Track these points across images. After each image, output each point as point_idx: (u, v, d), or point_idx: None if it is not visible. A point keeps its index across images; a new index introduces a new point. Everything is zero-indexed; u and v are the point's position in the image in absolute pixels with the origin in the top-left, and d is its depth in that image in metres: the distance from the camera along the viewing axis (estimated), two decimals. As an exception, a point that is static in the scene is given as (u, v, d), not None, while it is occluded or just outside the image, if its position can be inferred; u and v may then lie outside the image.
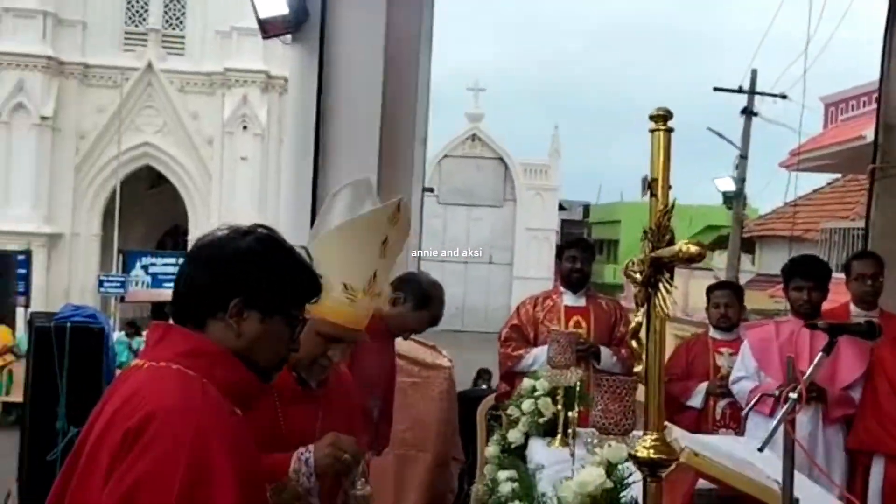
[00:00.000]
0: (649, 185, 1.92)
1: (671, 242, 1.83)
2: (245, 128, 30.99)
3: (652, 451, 1.84)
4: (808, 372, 2.74)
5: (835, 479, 4.59)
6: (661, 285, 1.87)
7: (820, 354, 2.65)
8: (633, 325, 1.90)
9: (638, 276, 1.91)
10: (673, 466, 1.85)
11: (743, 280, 21.24)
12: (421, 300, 3.82)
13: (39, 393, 7.36)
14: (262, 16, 5.56)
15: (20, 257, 20.34)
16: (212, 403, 1.81)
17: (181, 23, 32.38)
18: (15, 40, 30.08)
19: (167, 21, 32.35)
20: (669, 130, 1.90)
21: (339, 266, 2.52)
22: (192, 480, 1.69)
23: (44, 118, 30.42)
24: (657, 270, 1.86)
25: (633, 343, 1.92)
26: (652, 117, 1.92)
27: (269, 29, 5.72)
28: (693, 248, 1.72)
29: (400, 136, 6.16)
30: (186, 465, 1.69)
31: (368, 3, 5.77)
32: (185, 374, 1.84)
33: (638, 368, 1.91)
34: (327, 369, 2.62)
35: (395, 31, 5.89)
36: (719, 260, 25.36)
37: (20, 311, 18.92)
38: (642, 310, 1.90)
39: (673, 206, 1.87)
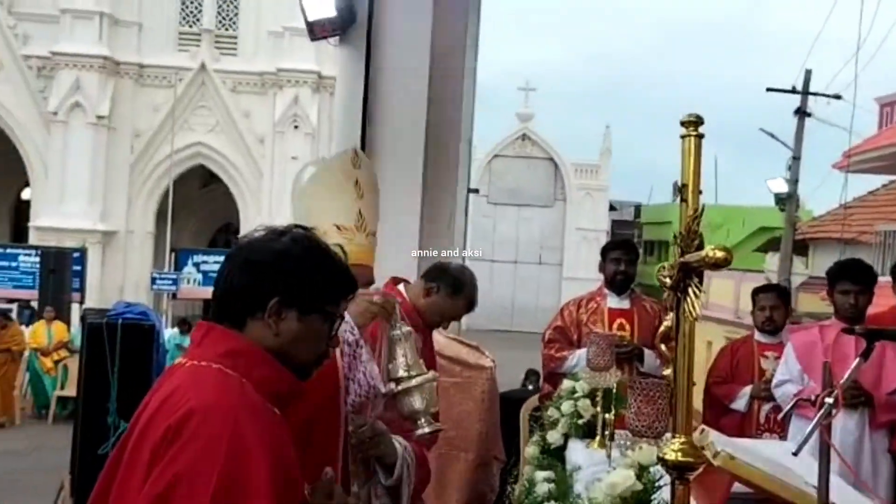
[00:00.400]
0: (680, 190, 1.93)
1: (700, 247, 1.85)
2: (296, 127, 31.27)
3: (680, 453, 1.85)
4: (846, 377, 2.72)
5: (880, 485, 4.55)
6: (690, 289, 1.88)
7: (858, 360, 2.63)
8: (661, 328, 1.92)
9: (668, 280, 1.93)
10: (701, 469, 1.86)
11: (795, 283, 21.00)
12: (454, 286, 3.87)
13: (92, 388, 7.54)
14: (311, 18, 5.65)
15: (76, 254, 20.74)
16: (250, 402, 1.85)
17: (234, 23, 32.79)
18: (72, 41, 30.69)
19: (220, 22, 32.78)
20: (700, 136, 1.92)
21: (323, 211, 2.68)
22: (230, 477, 1.72)
23: (99, 117, 30.98)
24: (686, 275, 1.87)
25: (662, 346, 1.93)
26: (683, 123, 1.93)
27: (317, 31, 5.80)
28: (719, 254, 1.74)
29: (445, 136, 6.21)
30: (223, 461, 1.73)
31: (415, 5, 5.83)
32: (224, 373, 1.89)
33: (667, 372, 1.92)
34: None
35: (441, 33, 5.94)
36: (771, 262, 25.05)
37: (75, 307, 19.31)
38: (672, 314, 1.91)
39: (702, 212, 1.88)
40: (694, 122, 1.92)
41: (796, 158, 21.91)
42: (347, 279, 2.09)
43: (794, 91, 21.63)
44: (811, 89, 21.49)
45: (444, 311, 3.87)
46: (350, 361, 2.49)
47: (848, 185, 22.47)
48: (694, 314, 1.88)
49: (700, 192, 1.93)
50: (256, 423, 1.82)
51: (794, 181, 22.04)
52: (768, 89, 21.91)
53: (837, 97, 20.11)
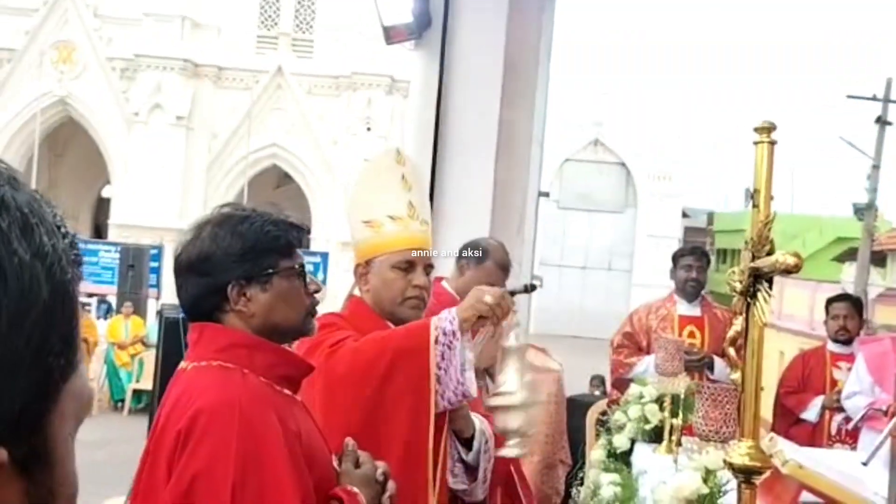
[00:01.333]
0: (752, 196, 1.95)
1: (771, 253, 1.86)
2: (368, 129, 31.57)
3: (747, 458, 1.86)
4: (918, 388, 2.70)
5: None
6: (759, 295, 1.89)
7: (931, 371, 2.61)
8: (731, 333, 1.93)
9: (738, 285, 1.94)
10: (767, 474, 1.87)
11: (872, 294, 20.54)
12: (481, 254, 3.91)
13: (167, 381, 7.72)
14: (386, 23, 5.72)
15: (153, 251, 21.23)
16: (253, 392, 1.88)
17: (310, 26, 33.26)
18: (154, 43, 31.44)
19: (297, 25, 33.29)
20: (773, 143, 1.93)
21: (375, 204, 2.75)
22: (245, 470, 1.77)
23: (179, 118, 31.68)
24: (756, 280, 1.89)
25: (731, 351, 1.95)
26: (756, 129, 1.95)
27: (392, 35, 5.87)
28: (791, 259, 1.75)
29: (517, 138, 6.23)
30: (236, 456, 1.77)
31: (490, 10, 5.87)
32: (224, 368, 1.92)
33: (734, 376, 1.94)
34: (424, 298, 2.75)
35: (515, 37, 5.97)
36: (848, 272, 24.54)
37: (152, 302, 19.75)
38: (741, 318, 1.93)
39: (773, 218, 1.89)
40: (767, 129, 1.94)
41: (876, 167, 21.46)
42: (284, 228, 2.02)
43: (874, 98, 21.19)
44: (892, 97, 21.03)
45: (480, 281, 3.86)
46: (444, 351, 2.50)
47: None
48: (763, 319, 1.89)
49: (772, 198, 1.95)
50: (263, 409, 1.85)
51: (873, 190, 21.59)
52: (849, 97, 21.50)
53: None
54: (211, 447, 1.78)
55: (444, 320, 2.51)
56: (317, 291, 2.07)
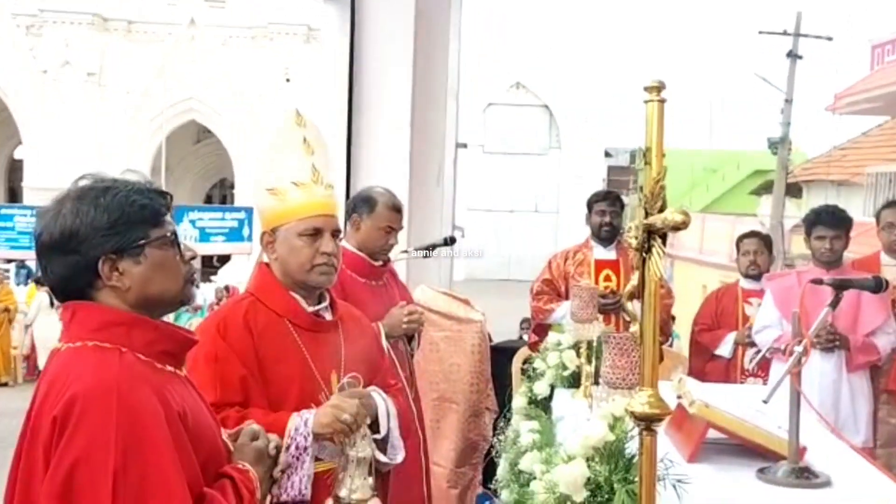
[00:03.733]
0: (644, 154, 2.00)
1: (662, 210, 1.91)
2: (288, 80, 31.15)
3: (647, 406, 1.93)
4: (814, 326, 2.82)
5: (860, 426, 4.68)
6: (654, 250, 1.95)
7: (826, 309, 2.73)
8: (628, 288, 1.99)
9: (634, 241, 2.00)
10: (666, 420, 1.95)
11: (788, 225, 21.09)
12: (369, 203, 3.92)
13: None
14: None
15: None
16: (132, 373, 1.81)
17: (222, -24, 32.52)
18: (59, -3, 30.46)
19: (209, -26, 32.53)
20: (662, 101, 1.97)
21: (279, 171, 2.74)
22: (126, 456, 1.72)
23: (90, 74, 30.88)
24: (650, 236, 1.94)
25: (629, 305, 2.01)
26: (646, 88, 1.98)
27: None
28: (678, 217, 1.81)
29: (432, 90, 6.23)
30: (116, 442, 1.71)
31: (399, -44, 5.81)
32: (100, 349, 1.84)
33: (634, 328, 2.00)
34: (334, 264, 2.76)
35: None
36: (765, 205, 25.13)
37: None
38: (637, 273, 1.99)
39: (665, 174, 1.94)
40: (657, 88, 1.98)
41: (788, 101, 21.90)
42: (150, 196, 1.95)
43: (785, 34, 21.55)
44: (802, 31, 21.42)
45: (379, 229, 3.91)
46: (292, 461, 2.47)
47: (843, 128, 22.45)
48: (658, 273, 1.95)
49: (663, 156, 1.99)
50: (142, 391, 1.79)
51: (786, 124, 22.05)
52: (760, 32, 21.83)
53: (829, 39, 20.04)
54: (89, 434, 1.72)
55: (299, 434, 2.48)
56: (193, 258, 2.02)
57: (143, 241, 1.91)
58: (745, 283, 5.68)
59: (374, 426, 2.70)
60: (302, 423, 2.50)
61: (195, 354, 2.25)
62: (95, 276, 1.89)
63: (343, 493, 2.46)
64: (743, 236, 5.84)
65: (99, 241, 1.87)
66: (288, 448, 2.46)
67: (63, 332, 1.93)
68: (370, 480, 2.48)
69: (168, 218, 1.97)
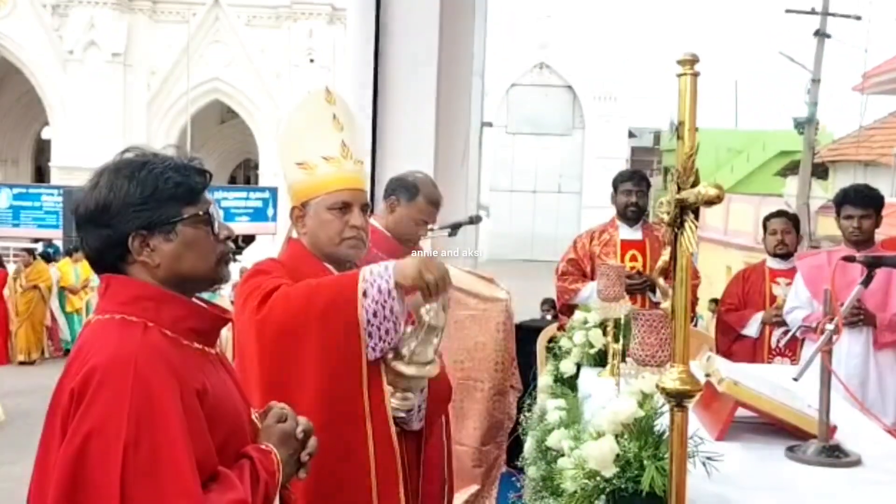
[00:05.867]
0: (677, 129, 1.98)
1: (695, 184, 1.90)
2: (312, 60, 31.15)
3: (678, 382, 1.93)
4: (846, 303, 2.80)
5: (889, 404, 4.64)
6: (686, 225, 1.94)
7: (858, 287, 2.70)
8: (660, 263, 1.98)
9: (665, 216, 1.99)
10: (698, 397, 1.94)
11: (814, 206, 20.92)
12: (410, 190, 3.82)
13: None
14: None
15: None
16: (151, 348, 1.81)
17: (246, -44, 32.51)
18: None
19: (232, -46, 32.51)
20: (696, 75, 1.95)
21: (308, 146, 2.75)
22: (138, 429, 1.72)
23: (115, 55, 30.98)
24: (682, 211, 1.93)
25: (661, 281, 2.00)
26: (679, 62, 1.97)
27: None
28: (712, 191, 1.80)
29: (457, 70, 6.21)
30: (129, 409, 1.72)
31: (426, -64, 5.79)
32: (126, 322, 1.85)
33: (665, 304, 2.00)
34: (363, 238, 2.78)
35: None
36: (791, 186, 24.93)
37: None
38: (668, 248, 1.98)
39: (697, 150, 1.93)
40: (690, 61, 1.96)
41: (815, 81, 21.66)
42: (186, 174, 1.93)
43: (813, 12, 21.29)
44: (830, 10, 21.16)
45: (412, 218, 3.86)
46: (377, 309, 2.52)
47: (871, 108, 22.20)
48: (690, 249, 1.94)
49: (696, 130, 1.98)
50: (160, 366, 1.79)
51: (813, 104, 21.82)
52: (787, 11, 21.59)
53: (857, 18, 19.78)
54: (103, 406, 1.73)
55: (381, 277, 2.52)
56: (228, 238, 2.00)
57: (174, 219, 1.90)
58: (772, 263, 5.64)
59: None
60: (382, 268, 2.53)
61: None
62: (126, 251, 1.89)
63: (405, 350, 2.53)
64: (770, 215, 5.79)
65: (130, 215, 1.87)
66: (365, 293, 2.50)
67: (98, 304, 1.94)
68: (433, 348, 2.55)
69: (205, 196, 1.96)
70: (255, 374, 2.57)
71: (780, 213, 5.80)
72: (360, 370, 2.55)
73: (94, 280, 15.14)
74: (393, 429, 2.62)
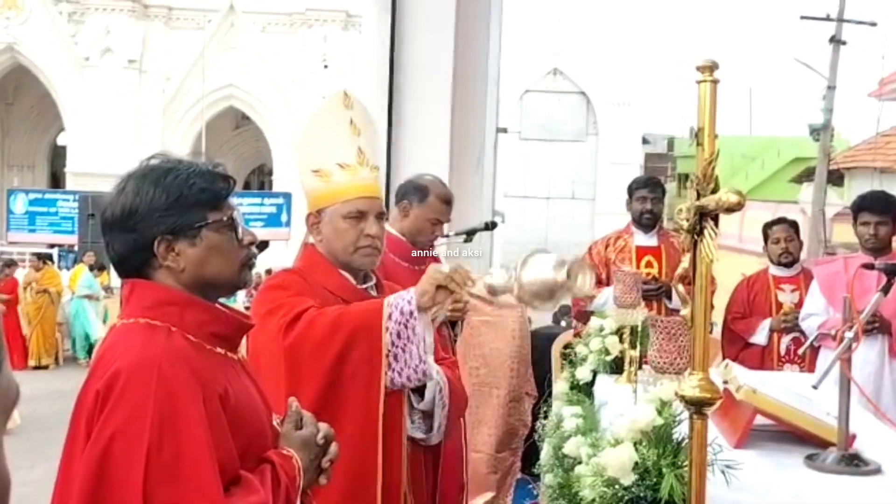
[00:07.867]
0: (696, 135, 1.98)
1: (715, 191, 1.89)
2: (326, 66, 31.22)
3: (698, 389, 1.92)
4: (865, 311, 2.78)
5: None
6: (706, 232, 1.93)
7: (877, 294, 2.69)
8: (679, 270, 1.97)
9: (685, 223, 1.98)
10: (718, 404, 1.93)
11: (830, 213, 20.82)
12: (421, 192, 3.86)
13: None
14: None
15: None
16: (175, 352, 1.83)
17: (261, -37, 32.62)
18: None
19: (247, -39, 32.64)
20: (715, 81, 1.95)
21: (324, 153, 2.75)
22: (162, 432, 1.74)
23: (131, 61, 31.13)
24: (702, 218, 1.92)
25: (680, 288, 2.00)
26: (698, 68, 1.96)
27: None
28: (733, 198, 1.79)
29: (472, 76, 6.22)
30: (152, 416, 1.74)
31: (441, -57, 5.81)
32: (150, 326, 1.87)
33: (685, 311, 1.99)
34: (378, 247, 2.79)
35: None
36: (806, 193, 24.81)
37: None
38: (688, 255, 1.97)
39: (717, 156, 1.92)
40: (709, 67, 1.95)
41: (831, 87, 21.57)
42: (210, 180, 1.95)
43: (828, 19, 21.22)
44: (846, 17, 21.07)
45: (427, 218, 3.87)
46: (399, 329, 2.56)
47: (887, 114, 22.07)
48: (710, 256, 1.94)
49: (716, 137, 1.97)
50: (183, 369, 1.81)
51: (828, 110, 21.72)
52: (802, 17, 21.51)
53: (873, 24, 19.70)
54: (128, 409, 1.75)
55: (403, 299, 2.56)
56: (252, 243, 2.02)
57: (199, 224, 1.92)
58: (776, 271, 5.63)
59: (420, 392, 2.74)
60: (404, 293, 2.61)
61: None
62: (152, 256, 1.92)
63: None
64: (771, 223, 5.77)
65: (156, 220, 1.90)
66: (390, 317, 2.56)
67: (122, 308, 1.97)
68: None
69: (229, 202, 1.98)
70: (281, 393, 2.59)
71: (780, 221, 5.77)
72: (378, 395, 2.58)
73: (115, 284, 15.23)
74: (405, 454, 2.66)
